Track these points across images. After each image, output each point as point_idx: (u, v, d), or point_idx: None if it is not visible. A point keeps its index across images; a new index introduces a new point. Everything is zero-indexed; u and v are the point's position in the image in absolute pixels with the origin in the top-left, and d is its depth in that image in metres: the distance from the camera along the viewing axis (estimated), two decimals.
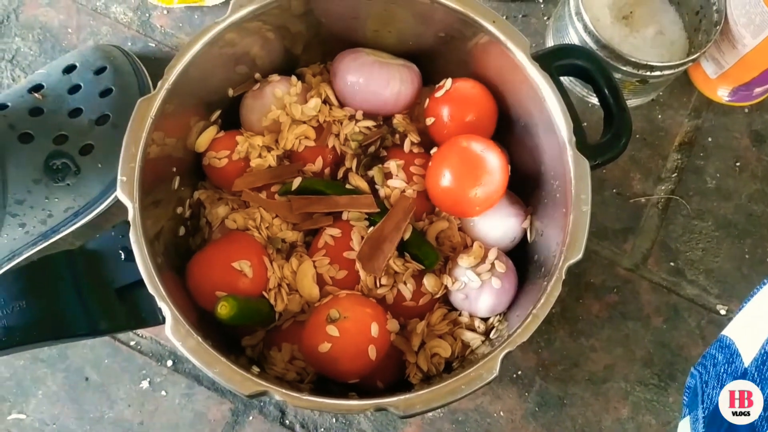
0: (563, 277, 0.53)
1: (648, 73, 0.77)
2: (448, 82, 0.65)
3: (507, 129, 0.67)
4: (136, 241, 0.52)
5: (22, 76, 0.83)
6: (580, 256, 0.53)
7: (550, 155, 0.60)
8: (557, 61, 0.59)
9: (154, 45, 0.83)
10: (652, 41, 0.86)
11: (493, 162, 0.60)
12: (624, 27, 0.87)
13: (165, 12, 0.84)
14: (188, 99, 0.60)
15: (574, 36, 0.80)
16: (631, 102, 0.84)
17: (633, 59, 0.75)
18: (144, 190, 0.54)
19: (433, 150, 0.63)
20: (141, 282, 0.51)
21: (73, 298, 0.52)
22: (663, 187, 0.83)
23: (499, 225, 0.65)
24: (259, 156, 0.63)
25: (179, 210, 0.64)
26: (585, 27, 0.77)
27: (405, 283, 0.61)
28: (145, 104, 0.55)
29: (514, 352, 0.51)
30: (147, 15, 0.85)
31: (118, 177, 0.53)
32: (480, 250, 0.62)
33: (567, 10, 0.80)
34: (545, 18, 0.89)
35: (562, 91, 0.57)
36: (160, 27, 0.84)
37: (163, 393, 0.73)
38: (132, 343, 0.74)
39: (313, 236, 0.64)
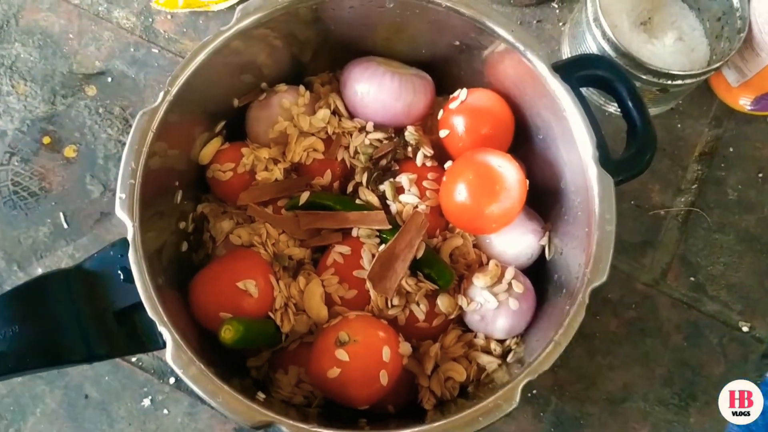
0: (587, 301, 0.50)
1: (669, 82, 0.75)
2: (463, 93, 0.62)
3: (524, 142, 0.64)
4: (135, 262, 0.49)
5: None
6: (604, 278, 0.51)
7: (571, 170, 0.57)
8: (578, 72, 0.57)
9: (157, 51, 0.82)
10: (672, 48, 0.83)
11: (511, 177, 0.57)
12: (642, 33, 0.84)
13: (169, 17, 0.83)
14: (192, 109, 0.58)
15: (591, 43, 0.77)
16: (651, 111, 0.80)
17: (654, 68, 0.72)
18: (144, 206, 0.52)
19: (448, 164, 0.61)
20: (141, 304, 0.49)
21: (69, 322, 0.49)
22: (683, 199, 0.81)
23: (517, 242, 0.62)
24: (266, 169, 0.61)
25: (182, 224, 0.61)
26: (603, 34, 0.75)
27: (418, 304, 0.59)
28: (146, 118, 0.52)
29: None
30: (150, 20, 0.83)
31: (117, 194, 0.51)
32: (496, 269, 0.60)
33: (584, 16, 0.78)
34: (560, 24, 0.86)
35: (585, 104, 0.55)
36: (164, 32, 0.82)
37: (165, 411, 0.71)
38: (133, 360, 0.72)
39: (321, 254, 0.62)
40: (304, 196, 0.60)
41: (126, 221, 0.50)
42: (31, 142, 0.77)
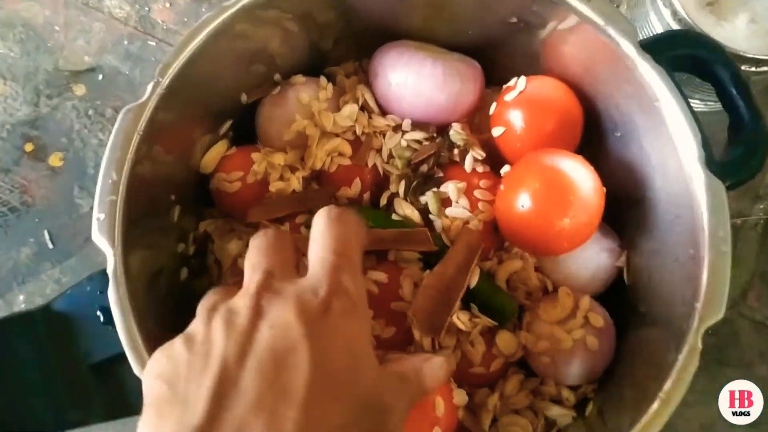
0: (700, 346, 0.39)
1: (753, 69, 0.65)
2: (521, 81, 0.53)
3: (594, 140, 0.54)
4: (116, 302, 0.39)
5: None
6: (720, 315, 0.41)
7: (663, 175, 0.48)
8: (670, 52, 0.46)
9: (154, 44, 0.75)
10: (746, 31, 0.73)
11: (587, 184, 0.48)
12: (709, 15, 0.75)
13: (167, 5, 0.77)
14: (190, 106, 0.50)
15: (657, 25, 0.69)
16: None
17: (741, 53, 0.62)
18: (131, 227, 0.43)
19: (504, 169, 0.52)
20: (124, 355, 0.38)
21: (33, 379, 0.39)
22: (762, 206, 0.72)
23: (589, 263, 0.53)
24: (281, 178, 0.54)
25: (180, 247, 0.53)
26: (674, 13, 0.66)
27: (472, 344, 0.49)
28: (131, 116, 0.43)
29: None
30: (146, 9, 0.77)
31: (94, 214, 0.41)
32: (568, 299, 0.50)
33: None
34: (616, 5, 0.77)
35: (683, 92, 0.43)
36: (162, 23, 0.76)
37: None
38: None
39: None
40: None
41: (105, 249, 0.41)
42: (12, 150, 0.72)
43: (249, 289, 0.33)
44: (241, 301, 0.32)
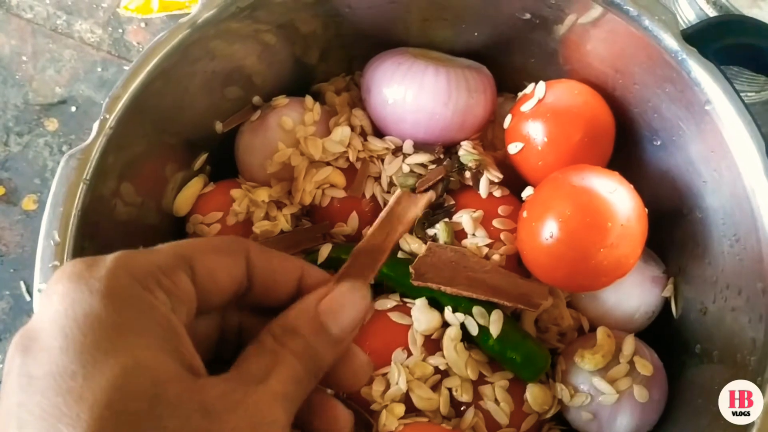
0: None
1: None
2: (539, 87, 0.47)
3: (627, 151, 0.48)
4: None
5: None
6: None
7: (716, 190, 0.41)
8: (717, 43, 0.39)
9: None
10: None
11: (627, 207, 0.41)
12: None
13: (142, 25, 0.72)
14: (155, 140, 0.45)
15: (687, 10, 0.65)
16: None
17: None
18: None
19: (527, 191, 0.46)
20: None
21: None
22: None
23: (631, 296, 0.46)
24: (266, 217, 0.49)
25: None
26: None
27: (497, 401, 0.43)
28: (74, 163, 0.37)
29: None
30: (120, 31, 0.72)
31: (35, 285, 0.34)
32: (609, 342, 0.44)
33: None
34: None
35: (738, 92, 0.36)
36: (137, 44, 0.71)
37: None
38: None
39: None
40: (324, 252, 0.47)
41: None
42: None
43: None
44: None
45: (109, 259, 0.23)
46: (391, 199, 0.34)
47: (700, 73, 0.38)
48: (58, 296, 0.22)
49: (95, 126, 0.38)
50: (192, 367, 0.23)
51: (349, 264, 0.31)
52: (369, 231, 0.33)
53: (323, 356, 0.27)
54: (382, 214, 0.33)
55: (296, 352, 0.26)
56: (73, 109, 0.69)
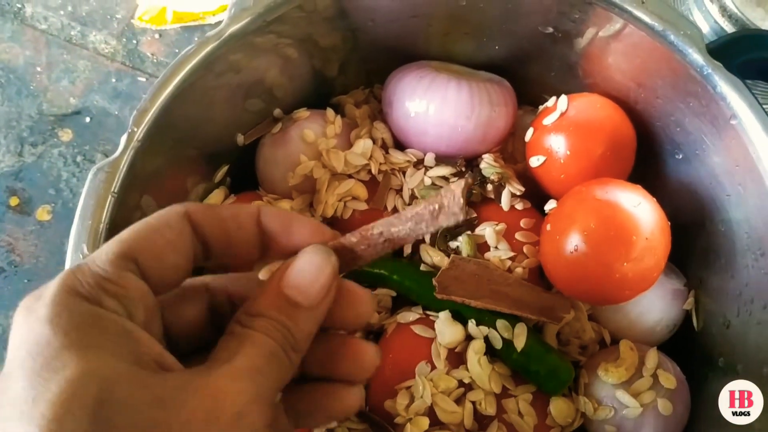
0: None
1: None
2: (562, 101, 0.47)
3: (648, 164, 0.48)
4: None
5: None
6: None
7: (740, 204, 0.41)
8: (739, 58, 0.39)
9: (144, 79, 0.70)
10: None
11: (651, 220, 0.41)
12: (756, 8, 0.69)
13: (156, 36, 0.72)
14: (178, 153, 0.45)
15: (702, 23, 0.65)
16: None
17: None
18: None
19: (549, 204, 0.46)
20: None
21: None
22: None
23: (653, 309, 0.46)
24: None
25: None
26: (723, 9, 0.61)
27: (521, 415, 0.42)
28: (102, 176, 0.37)
29: None
30: (134, 42, 0.72)
31: None
32: (632, 355, 0.43)
33: None
34: None
35: (762, 107, 0.36)
36: (151, 55, 0.71)
37: None
38: None
39: (375, 338, 0.47)
40: None
41: None
42: None
43: None
44: None
45: (53, 284, 0.23)
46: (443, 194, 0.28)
47: (726, 87, 0.38)
48: (14, 333, 0.23)
49: (123, 139, 0.38)
50: (156, 363, 0.23)
51: (360, 238, 0.29)
52: (399, 219, 0.29)
53: (299, 328, 0.26)
54: (423, 209, 0.28)
55: (265, 329, 0.25)
56: (88, 119, 0.69)
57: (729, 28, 0.59)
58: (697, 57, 0.38)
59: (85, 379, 0.21)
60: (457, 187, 0.26)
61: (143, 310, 0.24)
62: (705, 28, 0.62)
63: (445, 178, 0.47)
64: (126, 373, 0.22)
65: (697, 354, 0.46)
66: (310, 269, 0.27)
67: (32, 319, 0.22)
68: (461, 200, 0.27)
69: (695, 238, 0.46)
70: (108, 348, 0.22)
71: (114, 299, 0.23)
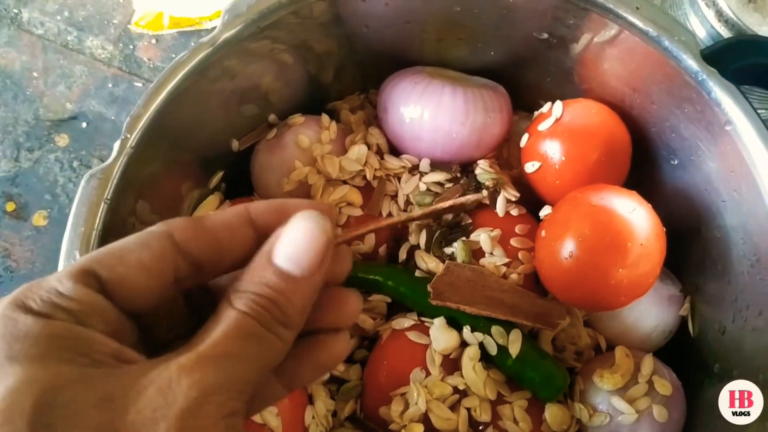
0: None
1: None
2: (557, 107, 0.46)
3: (643, 170, 0.48)
4: None
5: None
6: None
7: (735, 210, 0.41)
8: (734, 63, 0.39)
9: (141, 84, 0.70)
10: None
11: (646, 226, 0.40)
12: (753, 13, 0.68)
13: (153, 41, 0.72)
14: (172, 159, 0.45)
15: (698, 28, 0.64)
16: None
17: None
18: None
19: (544, 210, 0.46)
20: None
21: None
22: None
23: (648, 315, 0.46)
24: None
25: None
26: (719, 14, 0.60)
27: (516, 421, 0.42)
28: (95, 183, 0.37)
29: None
30: (131, 47, 0.72)
31: None
32: (628, 361, 0.43)
33: None
34: None
35: (757, 113, 0.36)
36: (148, 60, 0.71)
37: None
38: None
39: (367, 349, 0.46)
40: None
41: None
42: None
43: None
44: None
45: (4, 300, 0.23)
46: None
47: (721, 93, 0.37)
48: None
49: (116, 146, 0.37)
50: (114, 359, 0.22)
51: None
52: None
53: (290, 302, 0.24)
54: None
55: (247, 307, 0.24)
56: (84, 124, 0.68)
57: (725, 33, 0.59)
58: (692, 63, 0.38)
59: (24, 387, 0.21)
60: None
61: (101, 322, 0.23)
62: (702, 33, 0.62)
63: (440, 184, 0.47)
64: (71, 376, 0.21)
65: (693, 360, 0.45)
66: (302, 236, 0.25)
67: None
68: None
69: (691, 244, 0.46)
70: (53, 355, 0.22)
71: (63, 311, 0.23)
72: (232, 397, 0.22)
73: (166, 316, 0.27)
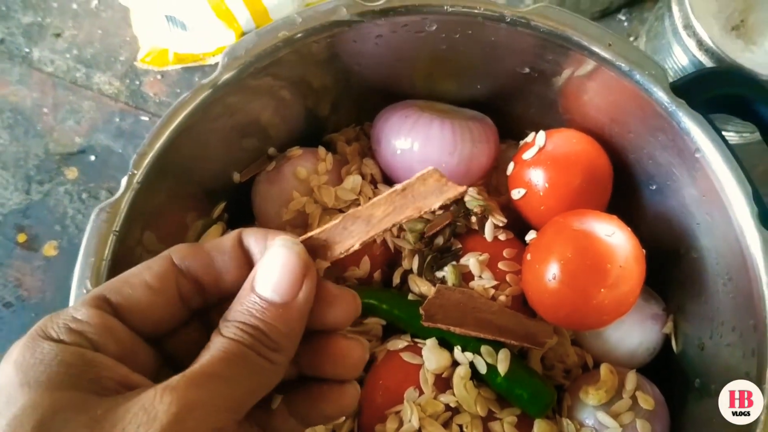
0: None
1: None
2: (540, 137, 0.48)
3: (625, 195, 0.49)
4: None
5: None
6: None
7: (708, 232, 0.43)
8: (705, 93, 0.41)
9: (147, 119, 0.71)
10: None
11: (625, 249, 0.42)
12: (736, 40, 0.69)
13: (159, 77, 0.73)
14: (177, 191, 0.47)
15: (681, 57, 0.64)
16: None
17: None
18: None
19: (530, 235, 0.47)
20: None
21: None
22: None
23: (632, 333, 0.47)
24: None
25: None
26: (700, 43, 0.61)
27: None
28: (104, 216, 0.38)
29: None
30: (137, 82, 0.73)
31: None
32: (612, 378, 0.44)
33: (668, 24, 0.64)
34: (632, 39, 0.72)
35: (724, 139, 0.38)
36: (154, 95, 0.72)
37: None
38: None
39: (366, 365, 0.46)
40: None
41: None
42: (4, 242, 0.68)
43: None
44: None
45: (31, 330, 0.25)
46: (417, 174, 0.30)
47: (689, 123, 0.39)
48: None
49: (123, 181, 0.40)
50: (120, 384, 0.24)
51: (333, 226, 0.28)
52: (374, 199, 0.30)
53: (274, 327, 0.26)
54: (399, 186, 0.30)
55: (234, 334, 0.25)
56: (92, 158, 0.70)
57: (707, 62, 0.60)
58: (662, 95, 0.40)
59: (28, 410, 0.22)
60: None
61: (114, 342, 0.25)
62: (684, 61, 0.63)
63: (432, 211, 0.49)
64: (71, 400, 0.23)
65: (678, 376, 0.47)
66: (277, 262, 0.26)
67: (5, 361, 0.24)
68: (438, 175, 0.28)
69: (673, 265, 0.47)
70: (61, 380, 0.23)
71: (78, 335, 0.24)
72: (218, 414, 0.24)
73: (186, 341, 0.28)
